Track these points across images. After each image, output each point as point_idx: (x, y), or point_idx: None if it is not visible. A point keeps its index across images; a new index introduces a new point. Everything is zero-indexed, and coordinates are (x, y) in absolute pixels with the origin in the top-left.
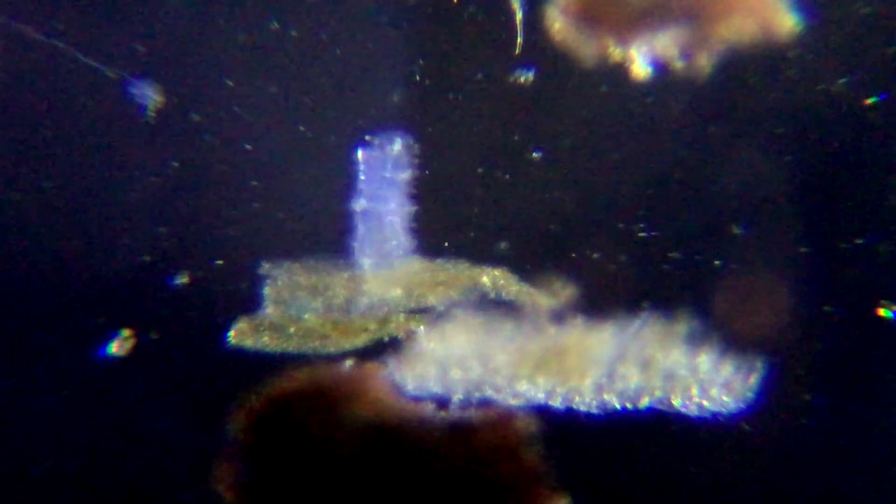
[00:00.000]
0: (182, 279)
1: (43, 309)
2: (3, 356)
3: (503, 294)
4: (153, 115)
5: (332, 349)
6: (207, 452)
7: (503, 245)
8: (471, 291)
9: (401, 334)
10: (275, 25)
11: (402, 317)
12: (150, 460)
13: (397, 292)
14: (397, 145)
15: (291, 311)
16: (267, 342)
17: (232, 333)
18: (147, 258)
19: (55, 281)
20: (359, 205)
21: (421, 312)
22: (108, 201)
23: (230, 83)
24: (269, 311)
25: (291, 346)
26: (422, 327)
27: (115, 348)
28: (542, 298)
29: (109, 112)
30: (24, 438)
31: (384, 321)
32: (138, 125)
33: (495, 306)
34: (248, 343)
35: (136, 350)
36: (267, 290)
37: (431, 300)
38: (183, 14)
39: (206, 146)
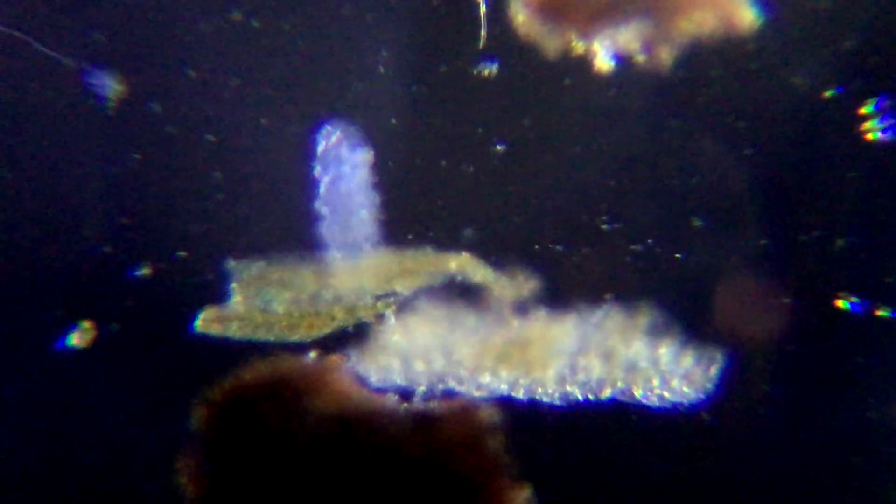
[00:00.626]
0: (144, 271)
1: (2, 301)
2: None
3: (469, 278)
4: (113, 105)
5: (299, 337)
6: (169, 445)
7: (467, 231)
8: (437, 277)
9: (369, 319)
10: (238, 16)
11: (369, 303)
12: (110, 453)
13: (364, 282)
14: (355, 137)
15: (259, 303)
16: (233, 331)
17: (198, 321)
18: (108, 249)
19: (15, 272)
20: (321, 197)
21: (388, 297)
22: (69, 192)
23: (192, 73)
24: (236, 303)
25: (258, 335)
26: (390, 311)
27: (75, 340)
28: (505, 289)
29: (69, 102)
30: None
31: (352, 309)
32: (98, 115)
33: (459, 295)
34: (215, 331)
35: (96, 342)
36: (234, 285)
37: (398, 288)
38: (144, 2)
39: (167, 137)
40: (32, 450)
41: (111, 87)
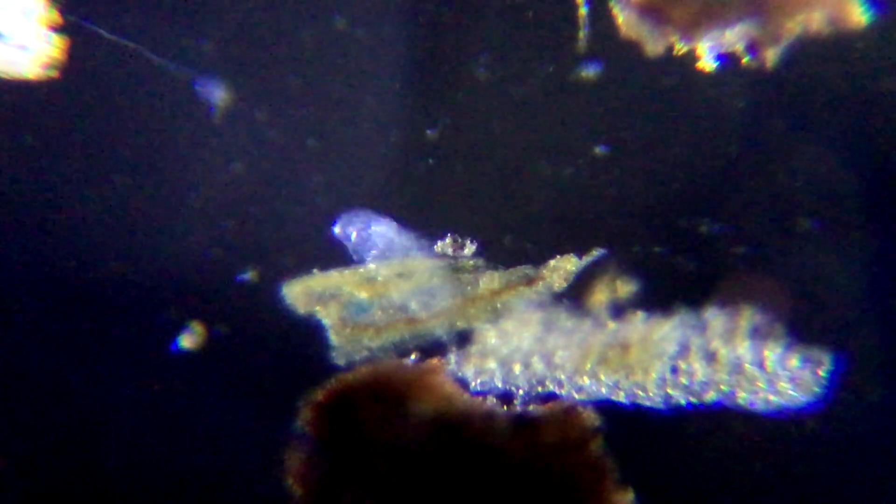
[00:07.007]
0: (250, 275)
1: (117, 303)
2: (79, 350)
3: (566, 284)
4: (221, 114)
5: (404, 343)
6: (278, 445)
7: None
8: (535, 292)
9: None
10: (342, 24)
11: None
12: (221, 453)
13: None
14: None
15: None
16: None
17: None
18: (217, 252)
19: (128, 275)
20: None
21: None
22: (180, 197)
23: (298, 81)
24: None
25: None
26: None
27: (186, 342)
28: (604, 292)
29: (179, 110)
30: (99, 430)
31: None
32: (207, 123)
33: (558, 300)
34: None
35: (206, 343)
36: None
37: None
38: (253, 13)
39: (272, 144)
40: (145, 448)
41: (219, 95)
